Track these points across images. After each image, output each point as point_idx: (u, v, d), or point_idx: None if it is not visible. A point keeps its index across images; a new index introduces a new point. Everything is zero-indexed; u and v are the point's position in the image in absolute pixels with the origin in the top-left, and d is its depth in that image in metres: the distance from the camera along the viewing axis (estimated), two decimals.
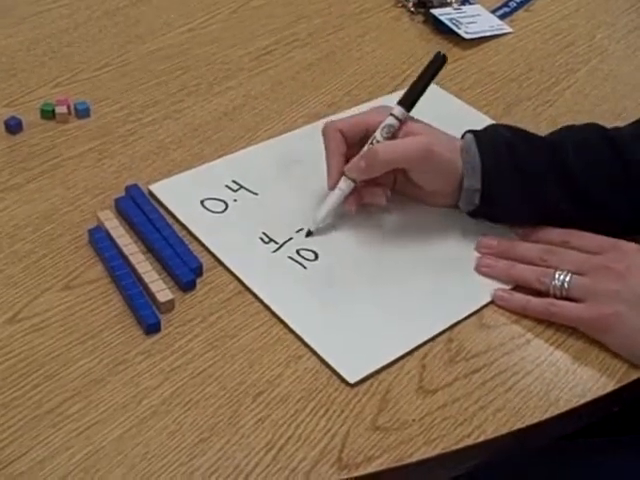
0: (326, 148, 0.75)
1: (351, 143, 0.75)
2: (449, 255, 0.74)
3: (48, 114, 0.85)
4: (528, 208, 0.73)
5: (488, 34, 1.04)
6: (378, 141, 0.73)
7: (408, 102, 0.75)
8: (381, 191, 0.75)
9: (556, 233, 0.73)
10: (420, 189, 0.75)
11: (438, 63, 0.76)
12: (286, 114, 0.89)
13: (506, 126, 0.77)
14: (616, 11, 1.12)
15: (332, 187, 0.74)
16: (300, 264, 0.72)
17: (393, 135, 0.73)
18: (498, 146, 0.73)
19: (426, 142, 0.72)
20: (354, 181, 0.74)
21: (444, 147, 0.73)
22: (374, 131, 0.73)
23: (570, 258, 0.70)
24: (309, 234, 0.74)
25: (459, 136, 0.76)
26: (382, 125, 0.73)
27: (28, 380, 0.61)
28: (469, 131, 0.75)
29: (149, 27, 1.01)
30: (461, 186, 0.74)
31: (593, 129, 0.76)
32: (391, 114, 0.74)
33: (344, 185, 0.74)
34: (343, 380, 0.63)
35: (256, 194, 0.78)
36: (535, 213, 0.74)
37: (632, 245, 0.69)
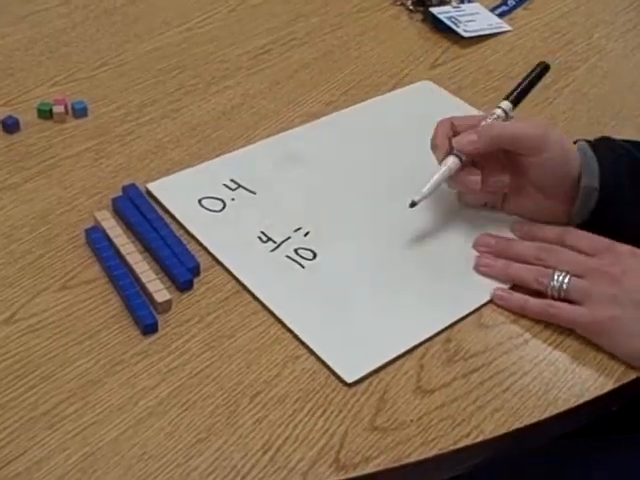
0: (435, 131, 0.75)
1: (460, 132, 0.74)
2: (448, 254, 0.74)
3: (45, 114, 0.85)
4: None
5: (487, 32, 1.04)
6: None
7: (515, 98, 0.78)
8: (499, 169, 0.74)
9: (553, 230, 0.73)
10: (533, 192, 0.73)
11: (541, 68, 0.82)
12: (284, 113, 0.89)
13: (613, 138, 0.76)
14: (615, 9, 1.12)
15: (440, 162, 0.73)
16: (298, 263, 0.72)
17: None
18: (614, 149, 0.73)
19: (544, 126, 0.73)
20: (460, 160, 0.73)
21: (562, 137, 0.73)
22: None
23: (567, 258, 0.70)
24: (413, 205, 0.72)
25: None
26: (490, 115, 0.76)
27: (24, 381, 0.61)
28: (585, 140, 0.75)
29: (147, 26, 1.00)
30: (576, 188, 0.72)
31: None
32: (498, 107, 0.76)
33: (450, 162, 0.73)
34: (341, 380, 0.63)
35: (254, 193, 0.78)
36: None
37: (626, 247, 0.69)
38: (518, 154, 0.72)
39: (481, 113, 0.88)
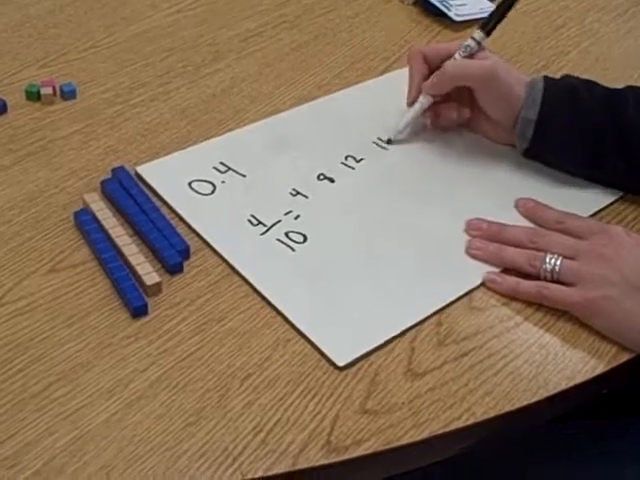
0: (409, 68, 0.82)
1: (433, 67, 0.81)
2: (439, 237, 0.74)
3: (33, 95, 0.84)
4: (579, 149, 0.77)
5: (478, 16, 1.04)
6: (455, 59, 0.80)
7: (488, 27, 0.80)
8: (455, 105, 0.82)
9: (554, 212, 0.74)
10: (485, 117, 0.81)
11: None
12: (275, 96, 0.88)
13: (577, 77, 0.81)
14: None
15: (410, 103, 0.82)
16: (289, 246, 0.71)
17: (470, 56, 0.79)
18: (563, 87, 0.78)
19: (492, 65, 0.78)
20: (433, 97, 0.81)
21: (509, 75, 0.79)
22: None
23: (559, 241, 0.70)
24: (389, 142, 0.82)
25: None
26: (462, 45, 0.79)
27: (13, 364, 0.61)
28: (543, 76, 0.80)
29: (136, 8, 0.99)
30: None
31: None
32: (471, 37, 0.80)
33: (423, 100, 0.81)
34: (332, 363, 0.63)
35: (244, 176, 0.78)
36: (584, 157, 0.77)
37: (619, 229, 0.70)
38: (472, 88, 0.79)
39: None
